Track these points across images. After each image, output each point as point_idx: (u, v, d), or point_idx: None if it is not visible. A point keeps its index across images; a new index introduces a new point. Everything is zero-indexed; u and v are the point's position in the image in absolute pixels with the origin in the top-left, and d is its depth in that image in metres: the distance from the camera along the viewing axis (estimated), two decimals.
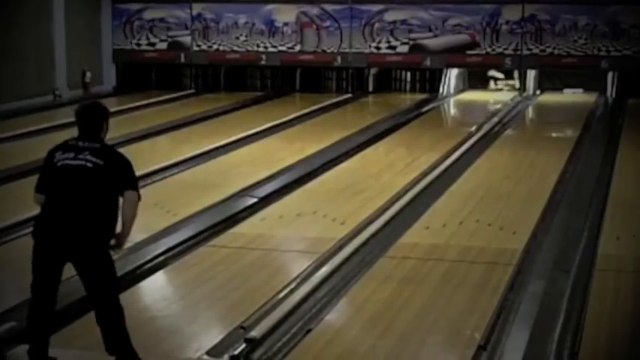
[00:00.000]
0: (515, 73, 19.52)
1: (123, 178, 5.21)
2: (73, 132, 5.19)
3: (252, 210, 9.32)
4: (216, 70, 20.31)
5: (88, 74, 18.76)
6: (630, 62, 18.22)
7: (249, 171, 11.12)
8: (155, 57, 20.04)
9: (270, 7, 19.51)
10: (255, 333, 5.78)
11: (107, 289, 5.17)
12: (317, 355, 5.59)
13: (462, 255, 7.65)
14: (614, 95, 18.63)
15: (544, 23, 18.53)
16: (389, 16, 19.07)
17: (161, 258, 7.66)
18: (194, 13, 19.78)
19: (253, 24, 19.56)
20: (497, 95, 19.11)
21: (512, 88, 19.47)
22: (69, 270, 5.46)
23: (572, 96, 19.08)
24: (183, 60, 19.94)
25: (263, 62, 19.66)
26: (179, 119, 15.60)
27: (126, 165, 5.24)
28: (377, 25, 19.12)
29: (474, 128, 14.59)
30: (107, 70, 20.07)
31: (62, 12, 18.34)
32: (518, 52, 18.65)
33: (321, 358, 5.56)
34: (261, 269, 7.32)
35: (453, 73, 19.66)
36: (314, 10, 19.35)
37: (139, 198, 5.26)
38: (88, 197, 5.08)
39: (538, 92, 19.25)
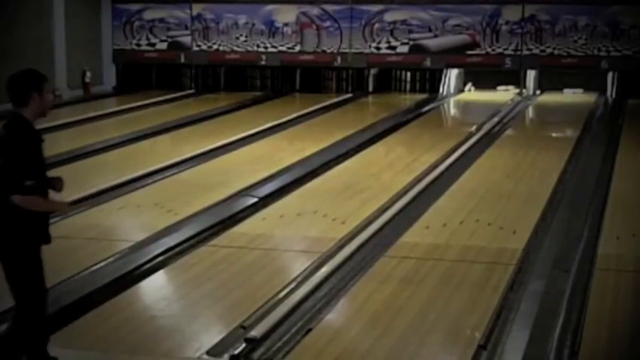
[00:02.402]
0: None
1: (4, 180, 4.76)
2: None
3: (252, 210, 9.31)
4: (216, 70, 20.30)
5: (88, 74, 18.75)
6: (630, 62, 18.23)
7: (249, 171, 11.12)
8: (155, 57, 20.04)
9: (270, 7, 19.51)
10: (255, 333, 5.78)
11: (17, 291, 4.94)
12: (317, 355, 5.59)
13: (462, 254, 7.64)
14: (614, 95, 18.62)
15: (544, 23, 18.53)
16: (389, 17, 19.08)
17: (161, 258, 7.65)
18: (194, 13, 19.79)
19: (253, 24, 19.56)
20: (498, 95, 19.10)
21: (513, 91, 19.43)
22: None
23: (572, 96, 19.07)
24: (183, 60, 19.94)
25: (263, 62, 19.66)
26: (179, 119, 15.59)
27: (6, 162, 4.76)
28: (377, 25, 19.12)
29: (474, 128, 14.59)
30: (107, 70, 20.08)
31: (62, 12, 18.33)
32: (518, 53, 18.66)
33: (321, 358, 5.55)
34: (261, 269, 7.32)
35: (453, 73, 19.66)
36: (314, 11, 19.36)
37: (28, 199, 4.78)
38: None
39: (538, 92, 19.24)
